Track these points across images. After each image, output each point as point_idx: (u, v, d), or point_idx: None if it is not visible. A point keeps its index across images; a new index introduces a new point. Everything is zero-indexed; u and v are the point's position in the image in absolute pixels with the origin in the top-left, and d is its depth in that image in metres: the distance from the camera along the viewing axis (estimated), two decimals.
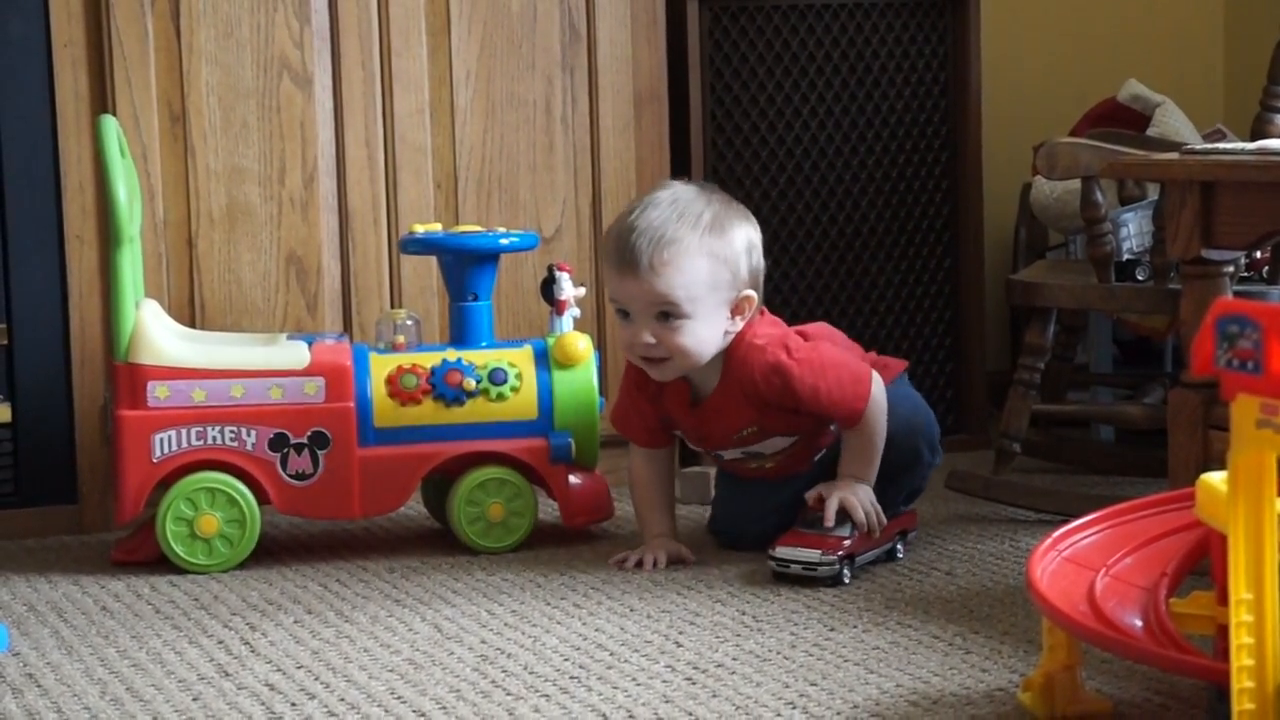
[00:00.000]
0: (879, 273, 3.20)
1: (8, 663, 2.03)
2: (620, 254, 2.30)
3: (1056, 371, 3.05)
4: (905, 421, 2.43)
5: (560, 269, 2.62)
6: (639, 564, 2.38)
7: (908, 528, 2.41)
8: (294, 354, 2.50)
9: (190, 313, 2.76)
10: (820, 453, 2.46)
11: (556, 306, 2.61)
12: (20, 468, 2.71)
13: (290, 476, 2.48)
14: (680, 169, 3.07)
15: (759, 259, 2.35)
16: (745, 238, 2.33)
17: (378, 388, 2.51)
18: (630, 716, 1.78)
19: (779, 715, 1.77)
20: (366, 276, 2.85)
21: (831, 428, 2.43)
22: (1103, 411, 3.01)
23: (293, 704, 1.85)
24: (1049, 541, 1.82)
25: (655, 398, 2.43)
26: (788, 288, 3.16)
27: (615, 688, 1.87)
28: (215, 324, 2.76)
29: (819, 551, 2.24)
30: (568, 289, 2.61)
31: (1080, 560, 1.81)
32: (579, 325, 2.64)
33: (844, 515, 2.29)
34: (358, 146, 2.84)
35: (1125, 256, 2.78)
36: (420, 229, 2.62)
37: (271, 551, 2.53)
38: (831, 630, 2.08)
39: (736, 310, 2.33)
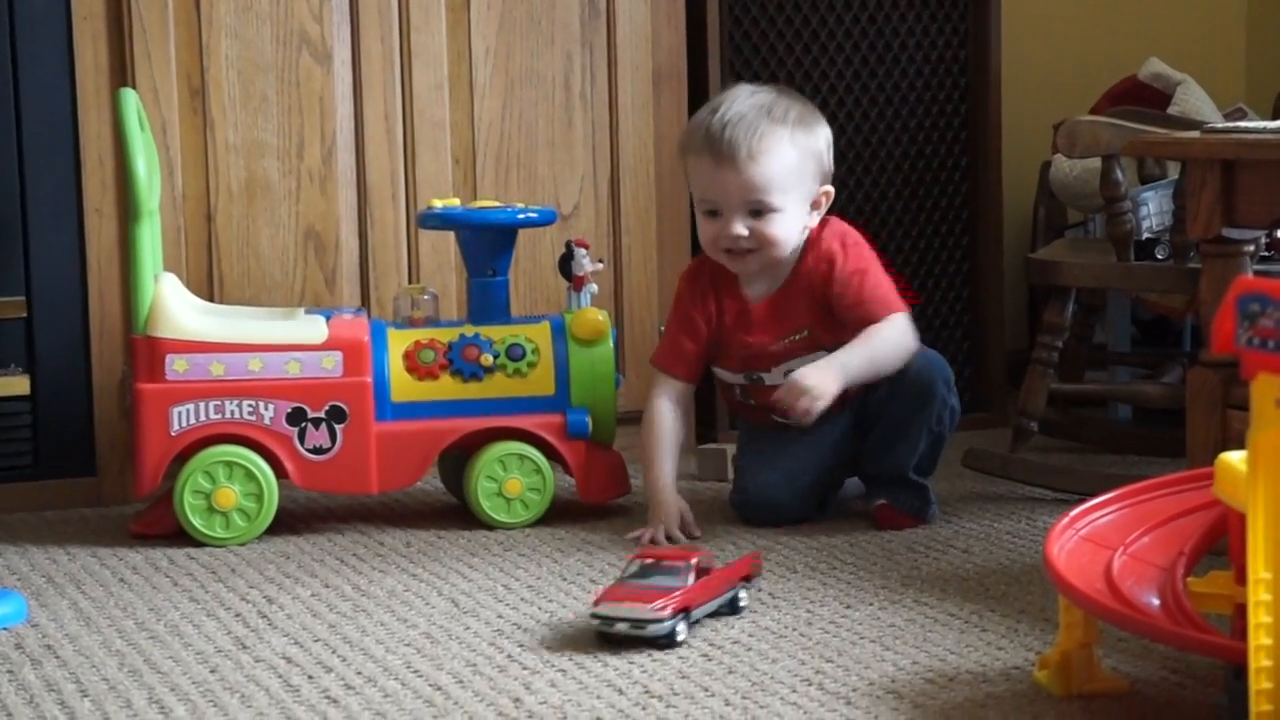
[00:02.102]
0: (897, 250, 3.20)
1: (26, 634, 2.04)
2: (715, 146, 2.38)
3: (1075, 350, 3.04)
4: (920, 355, 2.45)
5: (578, 245, 2.62)
6: (653, 542, 2.37)
7: (751, 574, 2.08)
8: (312, 328, 2.51)
9: (209, 287, 2.76)
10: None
11: (574, 282, 2.61)
12: (39, 440, 2.72)
13: (308, 451, 2.48)
14: None
15: (832, 158, 2.46)
16: (826, 134, 2.45)
17: (395, 363, 2.51)
18: (646, 692, 1.78)
19: (794, 692, 1.77)
20: (385, 251, 2.86)
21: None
22: (1121, 390, 3.01)
23: (310, 677, 1.86)
24: (1066, 520, 1.82)
25: (712, 310, 2.48)
26: None
27: (631, 663, 1.88)
28: (233, 298, 2.76)
29: (647, 607, 1.89)
30: (586, 264, 2.60)
31: (1098, 539, 1.81)
32: (597, 301, 2.63)
33: (681, 565, 1.96)
34: (377, 121, 2.84)
35: (1145, 235, 2.77)
36: (439, 204, 2.62)
37: (289, 525, 2.54)
38: (848, 607, 2.08)
39: (815, 205, 2.44)
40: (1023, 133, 3.45)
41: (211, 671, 1.88)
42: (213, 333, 2.48)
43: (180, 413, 2.46)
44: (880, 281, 2.45)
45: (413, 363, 2.52)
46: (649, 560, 1.98)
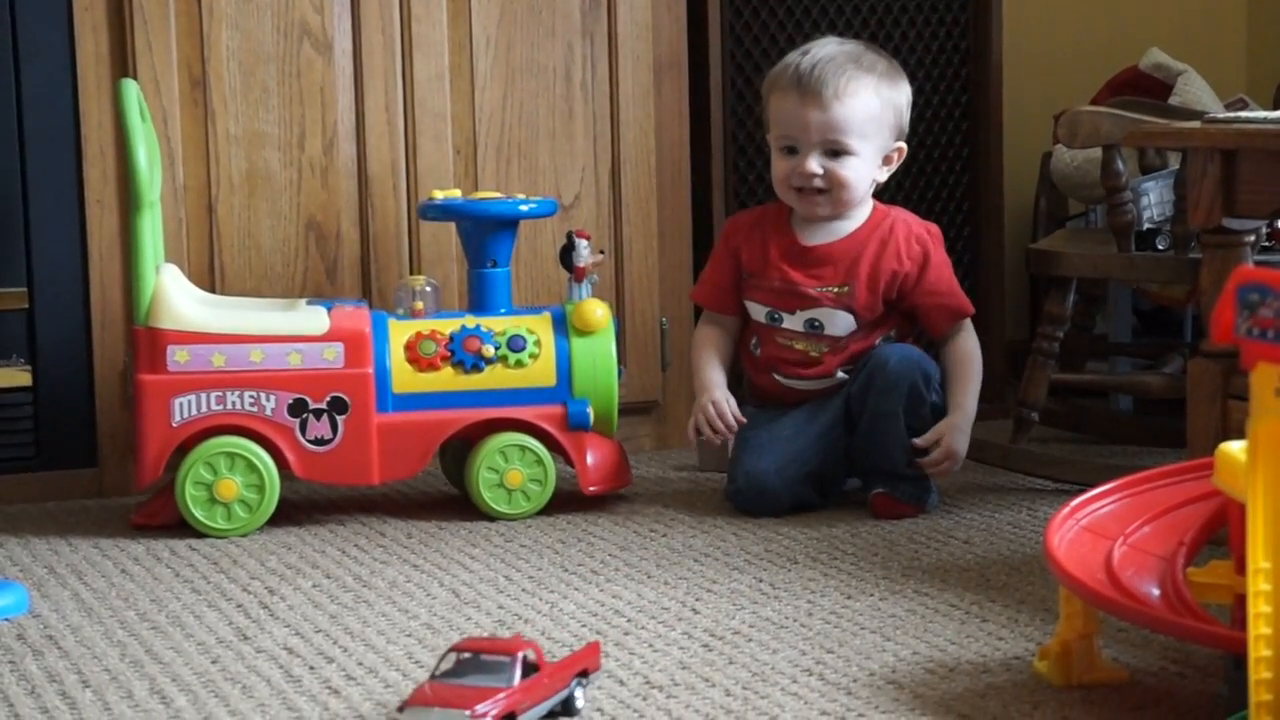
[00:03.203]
0: None
1: (28, 624, 2.05)
2: (802, 82, 2.46)
3: (1075, 341, 3.04)
4: (896, 351, 2.50)
5: (579, 236, 2.62)
6: (711, 430, 2.54)
7: (589, 667, 1.73)
8: (313, 320, 2.51)
9: (210, 278, 2.76)
10: (847, 365, 2.54)
11: (575, 273, 2.61)
12: (41, 431, 2.72)
13: (309, 442, 2.49)
14: (700, 137, 3.07)
15: (909, 118, 2.54)
16: (908, 93, 2.52)
17: (397, 354, 2.51)
18: (646, 682, 1.79)
19: (795, 682, 1.78)
20: (386, 243, 2.86)
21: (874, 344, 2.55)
22: (1121, 381, 3.01)
23: (311, 668, 1.86)
24: (1067, 510, 1.82)
25: (756, 248, 2.55)
26: None
27: (632, 654, 1.88)
28: (235, 289, 2.76)
29: (465, 714, 1.56)
30: (587, 255, 2.61)
31: (1098, 529, 1.81)
32: (597, 292, 2.64)
33: (505, 660, 1.63)
34: (377, 112, 2.83)
35: (1146, 226, 2.77)
36: (440, 195, 2.62)
37: (290, 516, 2.54)
38: (848, 598, 2.08)
39: (887, 160, 2.52)
40: (1023, 123, 3.45)
41: (213, 662, 1.89)
42: (214, 324, 2.48)
43: (182, 404, 2.46)
44: (953, 275, 2.58)
45: (414, 354, 2.52)
46: (467, 654, 1.65)
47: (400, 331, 2.53)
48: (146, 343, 2.47)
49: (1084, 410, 3.12)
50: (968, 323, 2.56)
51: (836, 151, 2.48)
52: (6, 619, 2.06)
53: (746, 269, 2.57)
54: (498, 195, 2.67)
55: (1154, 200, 2.82)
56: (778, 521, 2.45)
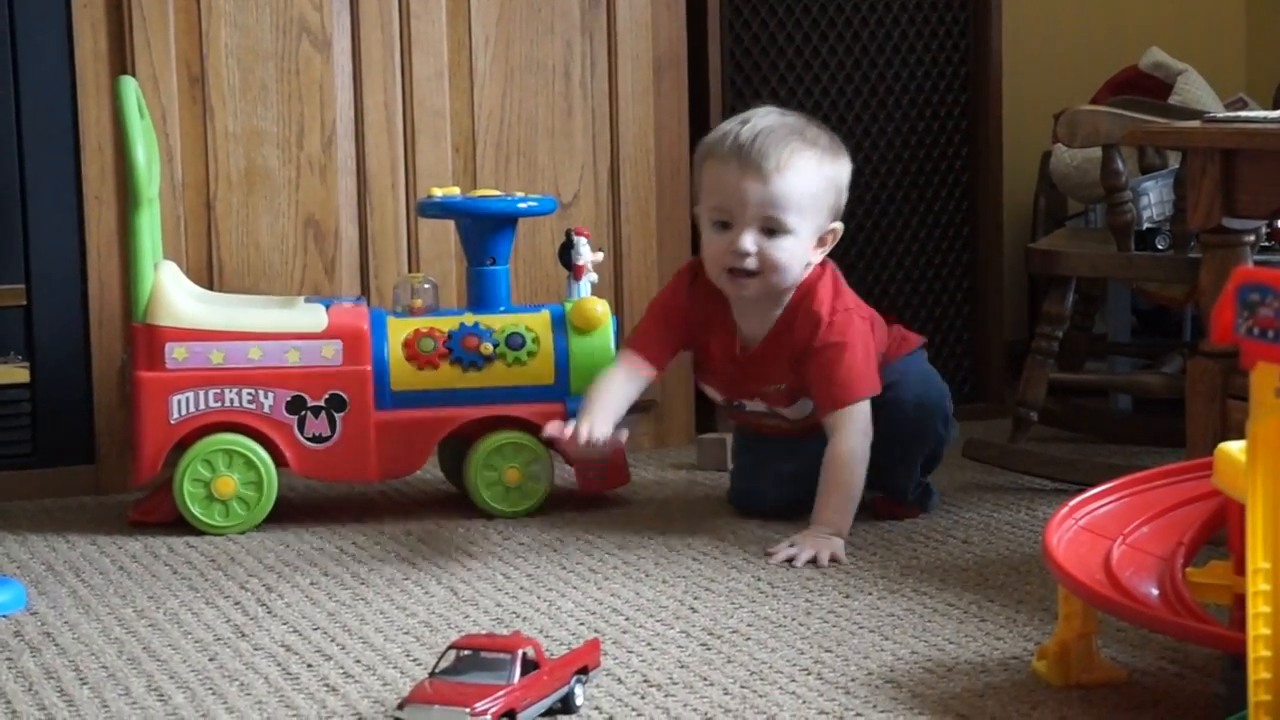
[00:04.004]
0: (898, 240, 3.20)
1: (25, 621, 2.04)
2: (743, 152, 2.28)
3: (1074, 340, 3.04)
4: (916, 394, 2.41)
5: (578, 234, 2.61)
6: (573, 438, 2.28)
7: (588, 665, 1.74)
8: (312, 317, 2.50)
9: (208, 275, 2.76)
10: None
11: (574, 271, 2.61)
12: (38, 428, 2.72)
13: (307, 439, 2.48)
14: (699, 135, 3.06)
15: (846, 198, 2.37)
16: (848, 170, 2.36)
17: (395, 351, 2.51)
18: (645, 681, 1.78)
19: (794, 681, 1.77)
20: (384, 240, 2.85)
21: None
22: (1121, 380, 3.01)
23: (308, 665, 1.86)
24: (1066, 510, 1.82)
25: (699, 325, 2.38)
26: None
27: (630, 652, 1.88)
28: (233, 286, 2.76)
29: (465, 711, 1.57)
30: (586, 254, 2.60)
31: (1097, 529, 1.81)
32: (596, 290, 2.63)
33: (505, 658, 1.64)
34: (376, 110, 2.83)
35: (1145, 225, 2.77)
36: (439, 193, 2.62)
37: (288, 514, 2.54)
38: (847, 597, 2.08)
39: (822, 241, 2.34)
40: (1023, 122, 3.45)
41: (211, 659, 1.88)
42: (212, 321, 2.48)
43: (180, 401, 2.46)
44: (854, 361, 2.31)
45: (412, 351, 2.52)
46: (467, 652, 1.66)
47: (399, 329, 2.53)
48: (145, 340, 2.47)
49: (1083, 410, 3.12)
50: (851, 416, 2.30)
51: (773, 230, 2.29)
52: (4, 615, 2.06)
53: (695, 354, 2.45)
54: (497, 193, 2.67)
55: (1153, 200, 2.81)
56: (776, 521, 2.44)
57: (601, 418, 2.30)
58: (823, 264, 2.37)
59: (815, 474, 2.34)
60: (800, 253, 2.31)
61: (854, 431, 2.30)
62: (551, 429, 2.29)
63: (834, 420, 2.31)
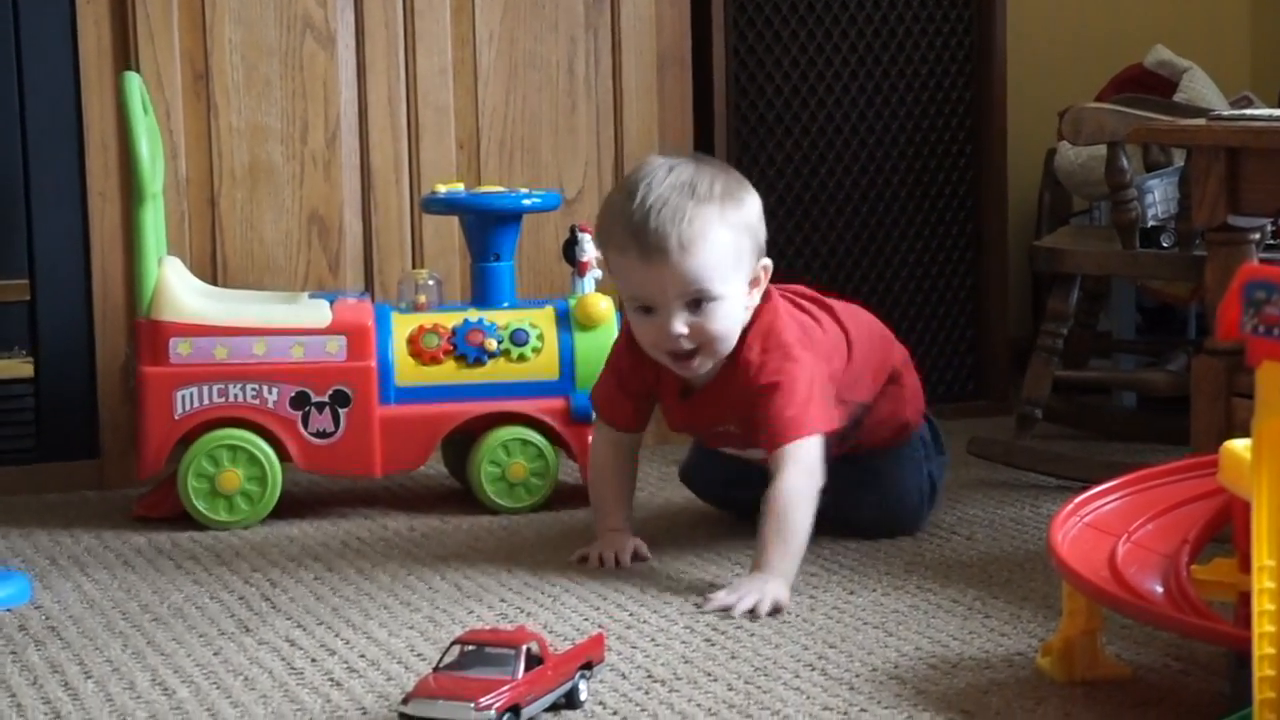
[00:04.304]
0: (901, 237, 3.19)
1: (30, 615, 2.04)
2: (641, 239, 2.07)
3: (1079, 338, 3.04)
4: (874, 511, 2.31)
5: (582, 230, 2.61)
6: (600, 560, 2.21)
7: (592, 659, 1.75)
8: (316, 312, 2.50)
9: (212, 270, 2.76)
10: None
11: (578, 267, 2.61)
12: (42, 423, 2.72)
13: (311, 434, 2.48)
14: (703, 131, 3.06)
15: (764, 228, 2.18)
16: (756, 204, 2.16)
17: (399, 347, 2.51)
18: (649, 676, 1.78)
19: (798, 677, 1.77)
20: (388, 236, 2.85)
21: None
22: (1125, 378, 3.01)
23: (313, 660, 1.86)
24: (1070, 507, 1.82)
25: (651, 378, 2.24)
26: (809, 252, 3.15)
27: (634, 648, 1.88)
28: (237, 282, 2.76)
29: (469, 705, 1.57)
30: (590, 250, 2.60)
31: (1101, 526, 1.81)
32: (600, 286, 2.63)
33: (509, 652, 1.64)
34: (380, 106, 2.83)
35: (1150, 223, 2.77)
36: (443, 189, 2.62)
37: (292, 509, 2.54)
38: (850, 594, 2.08)
39: (754, 283, 2.15)
40: (1027, 119, 3.45)
41: (215, 654, 1.89)
42: (217, 316, 2.48)
43: (184, 396, 2.46)
44: (791, 399, 2.12)
45: (417, 347, 2.51)
46: (471, 647, 1.66)
47: (403, 324, 2.53)
48: (149, 335, 2.47)
49: (1087, 407, 3.12)
50: (792, 455, 2.10)
51: (699, 300, 2.10)
52: (8, 609, 2.06)
53: (648, 395, 2.28)
54: (501, 189, 2.67)
55: (1158, 197, 2.81)
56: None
57: (620, 533, 2.24)
58: (765, 297, 2.18)
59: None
60: (735, 313, 2.13)
61: (795, 472, 2.09)
62: (575, 557, 2.22)
63: (776, 460, 2.10)
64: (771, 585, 2.02)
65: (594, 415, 2.35)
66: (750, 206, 2.14)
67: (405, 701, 1.59)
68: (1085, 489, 1.88)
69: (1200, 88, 3.02)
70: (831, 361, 2.22)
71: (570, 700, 1.68)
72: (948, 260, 3.22)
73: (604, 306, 2.55)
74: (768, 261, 2.17)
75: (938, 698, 1.70)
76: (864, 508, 2.31)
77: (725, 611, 2.00)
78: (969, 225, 3.23)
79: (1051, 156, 3.31)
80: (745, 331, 2.16)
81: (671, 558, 2.25)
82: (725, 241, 2.10)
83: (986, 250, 3.24)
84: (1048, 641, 1.78)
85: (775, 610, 2.00)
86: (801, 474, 2.10)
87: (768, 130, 3.12)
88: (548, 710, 1.66)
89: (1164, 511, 1.83)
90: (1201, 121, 2.29)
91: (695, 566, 2.21)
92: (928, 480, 2.37)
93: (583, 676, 1.71)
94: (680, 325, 2.11)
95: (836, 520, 2.24)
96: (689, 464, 2.49)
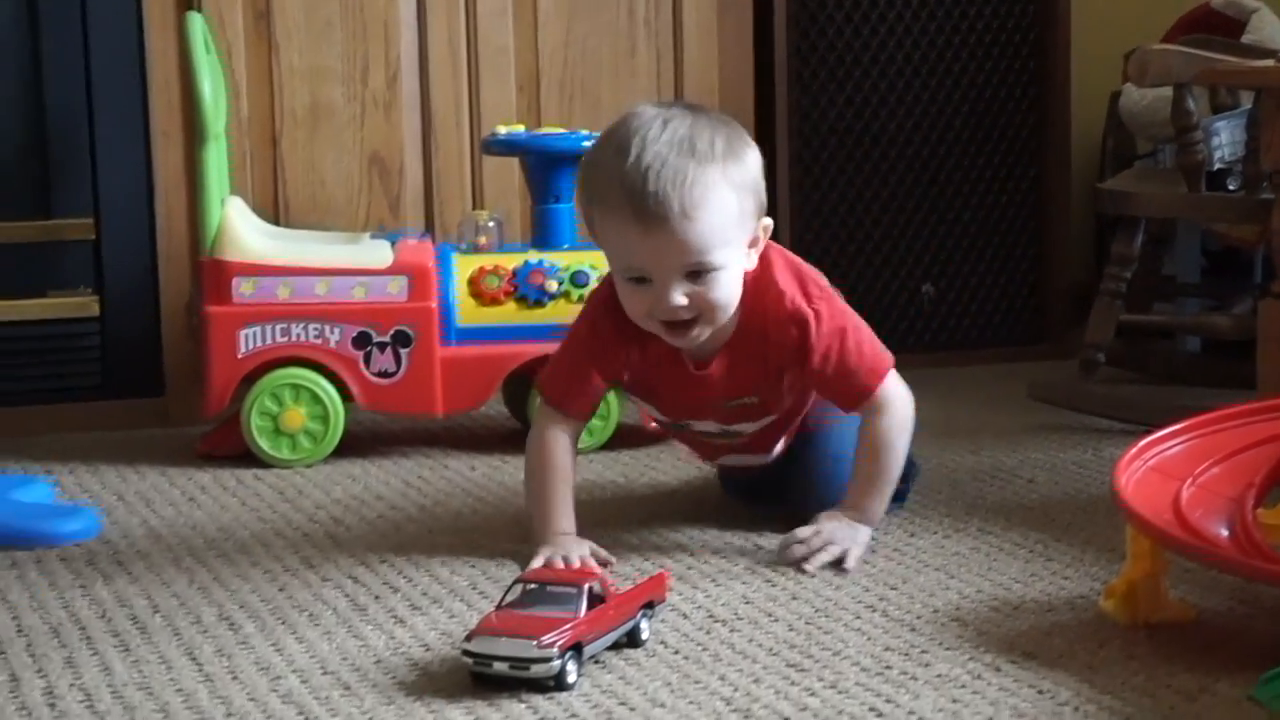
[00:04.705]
0: (963, 181, 3.17)
1: (98, 549, 2.07)
2: (639, 204, 1.85)
3: (1143, 282, 3.02)
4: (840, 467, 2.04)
5: None
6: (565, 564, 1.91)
7: (654, 599, 1.74)
8: (378, 253, 2.51)
9: (274, 211, 2.77)
10: (779, 443, 2.10)
11: None
12: (108, 360, 2.74)
13: (373, 374, 2.50)
14: (763, 73, 3.05)
15: (763, 181, 1.96)
16: (757, 159, 1.94)
17: (461, 287, 2.51)
18: (710, 616, 1.79)
19: (858, 618, 1.78)
20: (449, 177, 2.86)
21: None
22: (1190, 322, 2.98)
23: (376, 597, 1.87)
24: (1134, 451, 1.81)
25: (635, 356, 2.00)
26: (869, 195, 3.14)
27: (695, 588, 1.88)
28: (298, 223, 2.77)
29: (532, 642, 1.56)
30: None
31: (1166, 470, 1.80)
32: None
33: (572, 591, 1.64)
34: (441, 47, 2.83)
35: (1216, 166, 2.74)
36: (503, 130, 2.62)
37: (355, 448, 2.55)
38: (912, 536, 2.07)
39: (753, 243, 1.94)
40: (1092, 61, 3.41)
41: (280, 590, 1.90)
42: (280, 256, 2.49)
43: (247, 335, 2.47)
44: (861, 334, 1.98)
45: (478, 288, 2.52)
46: (534, 585, 1.66)
47: (464, 265, 2.53)
48: (213, 274, 2.48)
49: (1151, 351, 3.09)
50: (883, 398, 1.98)
51: (700, 270, 1.89)
52: (77, 543, 2.09)
53: (631, 390, 2.07)
54: (561, 130, 2.66)
55: (1225, 140, 2.78)
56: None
57: (571, 535, 1.97)
58: (762, 257, 1.97)
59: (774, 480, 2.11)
60: (736, 280, 1.92)
61: (896, 407, 1.98)
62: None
63: (870, 404, 1.98)
64: (863, 534, 1.96)
65: (540, 401, 2.05)
66: (752, 163, 1.93)
67: (468, 639, 1.60)
68: (1149, 433, 1.87)
69: (1269, 28, 2.99)
70: None
71: (632, 639, 1.69)
72: (1010, 204, 3.20)
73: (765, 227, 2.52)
74: (768, 221, 1.95)
75: (999, 639, 1.70)
76: (816, 477, 2.07)
77: (804, 560, 1.92)
78: (1032, 169, 3.21)
79: (1116, 99, 3.28)
80: (769, 284, 1.96)
81: (733, 499, 2.25)
82: (729, 205, 1.88)
83: (1050, 194, 3.21)
84: (1111, 584, 1.77)
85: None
86: (903, 407, 1.99)
87: (829, 73, 3.10)
88: (609, 649, 1.67)
89: (1229, 455, 1.83)
90: (1270, 62, 2.26)
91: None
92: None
93: (645, 616, 1.71)
94: (679, 296, 1.89)
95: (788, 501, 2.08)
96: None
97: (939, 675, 1.60)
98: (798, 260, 2.02)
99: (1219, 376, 2.95)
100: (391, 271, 2.49)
